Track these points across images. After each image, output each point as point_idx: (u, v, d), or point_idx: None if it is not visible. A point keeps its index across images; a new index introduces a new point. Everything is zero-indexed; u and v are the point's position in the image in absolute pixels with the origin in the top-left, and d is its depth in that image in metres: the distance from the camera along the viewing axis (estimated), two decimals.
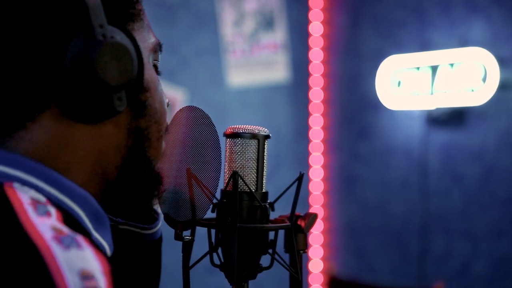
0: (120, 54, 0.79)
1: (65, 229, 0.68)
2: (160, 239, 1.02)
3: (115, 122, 0.83)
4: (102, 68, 0.77)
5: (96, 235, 0.80)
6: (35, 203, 0.71)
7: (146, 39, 0.88)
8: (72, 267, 0.63)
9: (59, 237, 0.65)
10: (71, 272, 0.62)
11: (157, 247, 1.02)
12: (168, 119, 1.01)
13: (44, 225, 0.67)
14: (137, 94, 0.84)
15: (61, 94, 0.78)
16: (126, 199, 0.89)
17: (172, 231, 1.01)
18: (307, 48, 3.77)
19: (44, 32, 0.77)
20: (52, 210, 0.72)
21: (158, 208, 1.04)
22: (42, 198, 0.75)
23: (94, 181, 0.84)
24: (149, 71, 0.87)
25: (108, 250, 0.82)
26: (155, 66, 0.92)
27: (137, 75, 0.82)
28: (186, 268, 1.00)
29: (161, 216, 1.05)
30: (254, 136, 1.00)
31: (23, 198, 0.72)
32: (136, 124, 0.85)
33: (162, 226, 1.08)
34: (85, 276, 0.63)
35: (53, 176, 0.78)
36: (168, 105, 0.96)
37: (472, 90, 3.10)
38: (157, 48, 0.92)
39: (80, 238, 0.67)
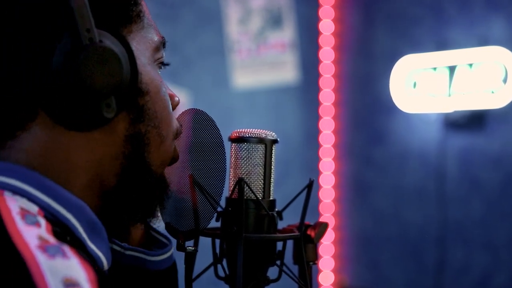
0: (106, 58, 0.79)
1: (51, 239, 0.70)
2: (171, 269, 1.02)
3: (111, 128, 0.83)
4: (87, 73, 0.78)
5: (91, 245, 0.81)
6: (24, 212, 0.73)
7: (147, 40, 0.89)
8: (55, 275, 0.65)
9: (44, 246, 0.68)
10: (54, 279, 0.64)
11: (167, 276, 1.02)
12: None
13: (31, 234, 0.69)
14: (134, 98, 0.85)
15: (49, 101, 0.79)
16: (126, 208, 0.89)
17: (174, 242, 1.01)
18: (317, 47, 3.77)
19: (29, 38, 0.78)
20: (42, 222, 0.73)
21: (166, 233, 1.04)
22: (34, 208, 0.76)
23: (91, 191, 0.85)
24: (149, 74, 0.87)
25: (104, 261, 0.83)
26: (161, 65, 0.92)
27: (130, 79, 0.83)
28: (189, 280, 1.00)
29: (172, 246, 1.04)
30: (261, 140, 1.00)
31: (12, 207, 0.73)
32: (135, 130, 0.85)
33: None
34: (69, 284, 0.65)
35: (47, 184, 0.79)
36: (176, 104, 0.96)
37: (492, 92, 3.09)
38: (160, 46, 0.92)
39: (66, 248, 0.69)
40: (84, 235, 0.80)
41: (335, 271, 3.74)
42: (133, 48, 0.85)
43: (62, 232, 0.76)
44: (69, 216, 0.79)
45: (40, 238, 0.69)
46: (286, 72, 3.71)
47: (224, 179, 0.96)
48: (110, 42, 0.81)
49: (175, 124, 0.94)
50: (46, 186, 0.79)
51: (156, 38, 0.91)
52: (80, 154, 0.82)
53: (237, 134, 1.01)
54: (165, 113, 0.90)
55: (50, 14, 0.78)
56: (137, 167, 0.87)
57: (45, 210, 0.77)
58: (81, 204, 0.81)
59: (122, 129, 0.84)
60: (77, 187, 0.83)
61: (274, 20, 3.67)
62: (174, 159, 0.95)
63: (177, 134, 0.95)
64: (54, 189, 0.79)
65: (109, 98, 0.80)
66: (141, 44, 0.87)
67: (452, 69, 3.22)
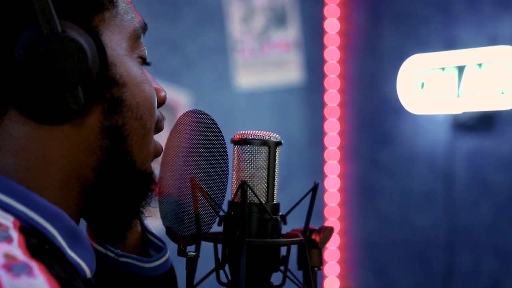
0: (68, 49, 0.79)
1: (20, 256, 0.70)
2: (168, 274, 1.02)
3: (83, 121, 0.83)
4: (48, 65, 0.78)
5: (71, 254, 0.81)
6: None
7: (123, 28, 0.88)
8: None
9: (10, 265, 0.68)
10: None
11: (164, 282, 1.02)
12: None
13: None
14: (106, 90, 0.84)
15: (14, 95, 0.79)
16: (107, 206, 0.89)
17: (175, 247, 1.01)
18: (322, 46, 3.77)
19: None
20: (15, 235, 0.73)
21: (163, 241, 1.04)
22: (9, 218, 0.76)
23: (69, 188, 0.84)
24: (125, 65, 0.87)
25: (86, 269, 0.83)
26: (141, 57, 0.91)
27: (99, 70, 0.82)
28: (191, 286, 1.00)
29: (167, 250, 1.04)
30: (264, 142, 1.00)
31: None
32: (110, 122, 0.85)
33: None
34: None
35: (23, 193, 0.79)
36: (163, 99, 0.96)
37: (502, 93, 3.09)
38: (140, 32, 0.91)
39: (34, 265, 0.69)
40: (63, 243, 0.80)
41: (340, 276, 3.73)
42: (106, 38, 0.84)
43: (40, 241, 0.76)
44: (46, 224, 0.79)
45: (7, 256, 0.69)
46: (290, 72, 3.71)
47: (227, 182, 0.96)
48: (75, 32, 0.80)
49: (157, 116, 0.94)
50: (22, 195, 0.79)
51: (135, 25, 0.90)
52: (54, 149, 0.82)
53: (240, 136, 1.01)
54: (148, 105, 0.89)
55: (10, 7, 0.79)
56: (116, 160, 0.87)
57: (21, 219, 0.77)
58: (58, 211, 0.81)
59: (96, 121, 0.84)
60: (53, 183, 0.83)
61: (278, 19, 3.67)
62: (157, 153, 0.95)
63: (157, 126, 0.94)
64: (30, 197, 0.79)
65: (75, 89, 0.80)
66: (116, 34, 0.86)
67: (461, 69, 3.22)
